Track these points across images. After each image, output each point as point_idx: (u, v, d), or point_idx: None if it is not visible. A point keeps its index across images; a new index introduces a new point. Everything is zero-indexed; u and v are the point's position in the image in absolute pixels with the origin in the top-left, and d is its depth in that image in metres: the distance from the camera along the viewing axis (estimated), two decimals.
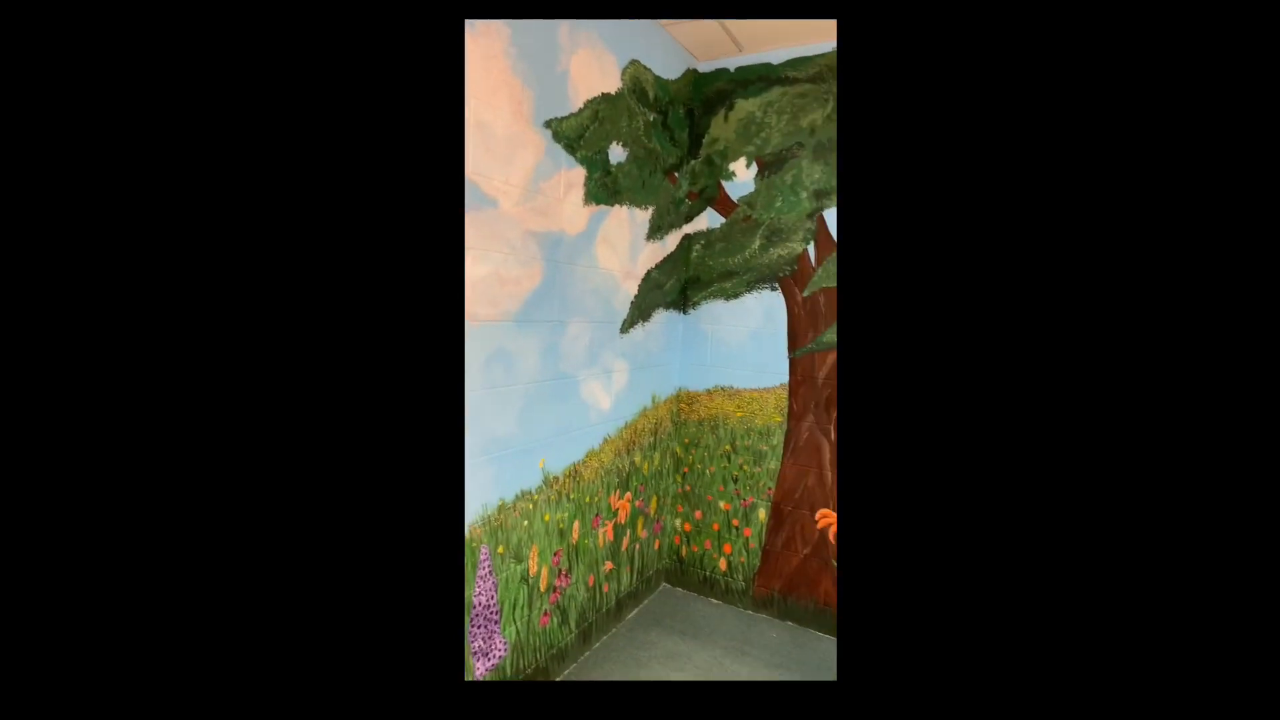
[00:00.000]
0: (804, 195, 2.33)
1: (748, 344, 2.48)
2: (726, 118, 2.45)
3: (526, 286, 1.69)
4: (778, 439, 2.42)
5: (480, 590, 1.62)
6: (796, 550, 2.40)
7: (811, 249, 2.34)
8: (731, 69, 2.44)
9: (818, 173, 2.30)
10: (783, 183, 2.37)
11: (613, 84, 1.97)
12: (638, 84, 2.11)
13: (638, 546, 2.43)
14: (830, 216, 2.29)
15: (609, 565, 2.24)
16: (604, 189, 1.98)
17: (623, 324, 2.20)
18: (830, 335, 2.31)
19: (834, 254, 2.29)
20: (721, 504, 2.55)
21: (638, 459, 2.37)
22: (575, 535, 2.02)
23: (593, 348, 2.03)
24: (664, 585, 2.68)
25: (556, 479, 1.90)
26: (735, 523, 2.53)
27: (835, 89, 2.25)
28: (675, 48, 2.32)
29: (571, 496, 1.99)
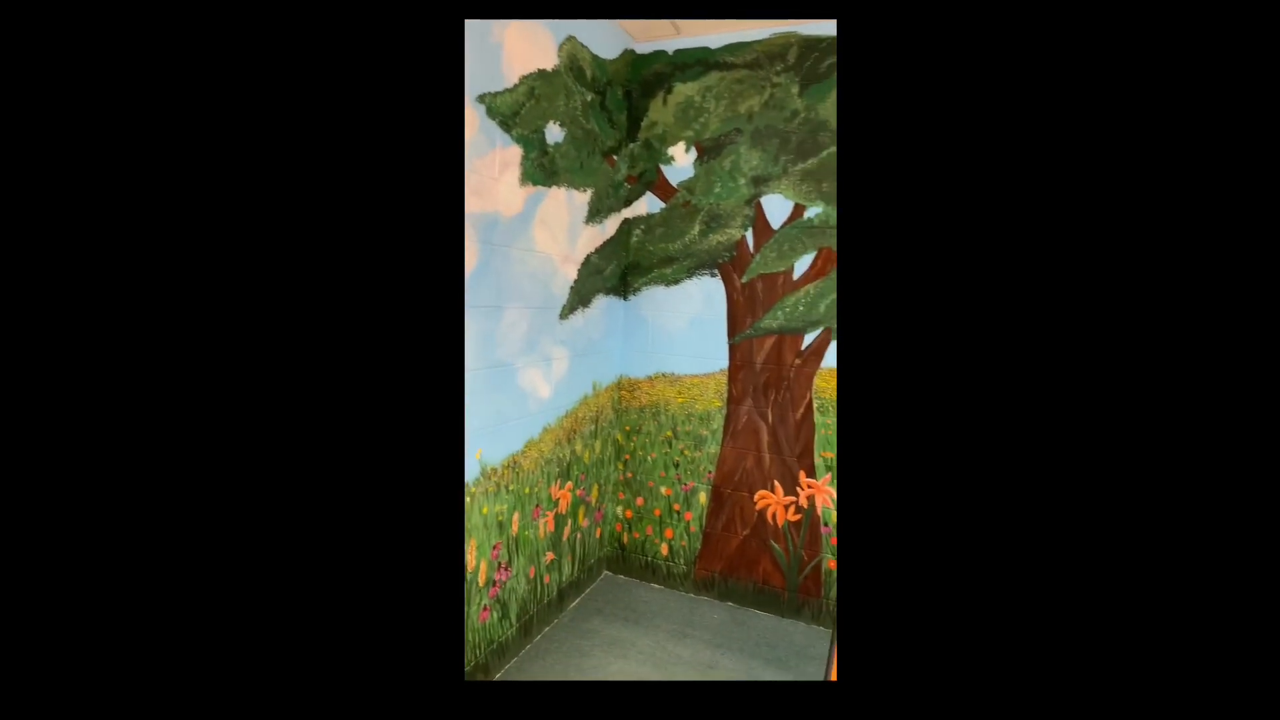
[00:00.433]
0: (742, 181, 2.34)
1: (688, 330, 2.48)
2: (665, 101, 2.42)
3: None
4: (718, 423, 2.45)
5: None
6: (736, 532, 2.44)
7: (750, 235, 2.36)
8: (670, 51, 2.41)
9: (756, 159, 2.31)
10: (721, 168, 2.37)
11: (549, 60, 1.89)
12: (575, 62, 2.04)
13: (579, 536, 2.40)
14: (767, 203, 2.31)
15: (550, 556, 2.20)
16: (541, 169, 1.91)
17: (562, 310, 2.14)
18: (768, 320, 2.35)
19: (771, 238, 2.32)
20: (663, 489, 2.56)
21: (579, 448, 2.33)
22: (515, 527, 1.97)
23: (531, 334, 1.97)
24: (606, 573, 2.67)
25: (494, 470, 1.84)
26: (676, 507, 2.54)
27: (772, 77, 2.27)
28: (612, 27, 2.26)
29: (511, 488, 1.93)
